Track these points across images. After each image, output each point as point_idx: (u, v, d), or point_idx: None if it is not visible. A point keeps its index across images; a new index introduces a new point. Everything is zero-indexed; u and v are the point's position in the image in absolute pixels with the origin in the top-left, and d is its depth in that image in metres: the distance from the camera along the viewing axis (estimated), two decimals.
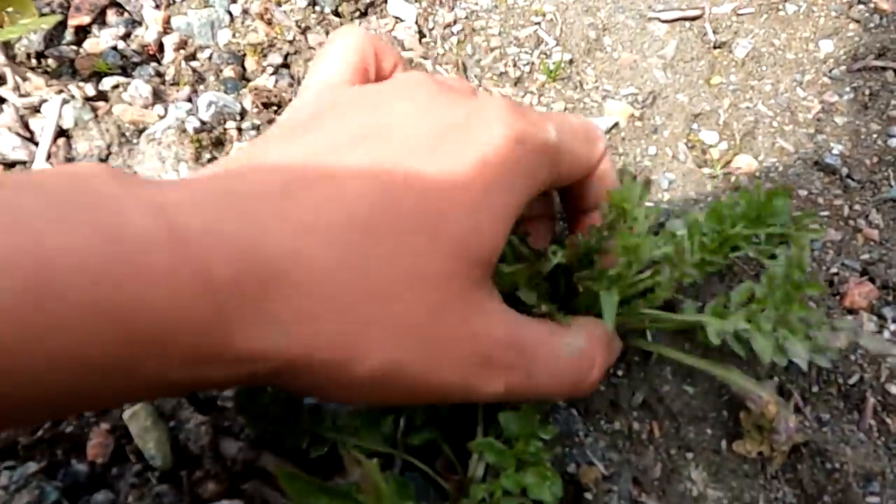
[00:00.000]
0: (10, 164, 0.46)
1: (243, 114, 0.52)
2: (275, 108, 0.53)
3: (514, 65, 0.60)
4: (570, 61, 0.61)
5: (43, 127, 0.48)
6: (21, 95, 0.49)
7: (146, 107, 0.51)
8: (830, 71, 0.61)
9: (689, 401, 0.42)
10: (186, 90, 0.52)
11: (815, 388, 0.44)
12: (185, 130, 0.49)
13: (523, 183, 0.30)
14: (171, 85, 0.53)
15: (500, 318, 0.30)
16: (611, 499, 0.37)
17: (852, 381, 0.44)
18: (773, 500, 0.40)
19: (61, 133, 0.48)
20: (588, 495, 0.37)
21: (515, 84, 0.59)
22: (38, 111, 0.49)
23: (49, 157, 0.47)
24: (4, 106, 0.49)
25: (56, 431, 0.37)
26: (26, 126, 0.48)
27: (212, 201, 0.24)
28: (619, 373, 0.43)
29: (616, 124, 0.56)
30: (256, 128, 0.52)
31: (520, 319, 0.31)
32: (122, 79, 0.52)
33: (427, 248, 0.26)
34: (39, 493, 0.33)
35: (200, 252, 0.22)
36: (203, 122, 0.50)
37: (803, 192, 0.54)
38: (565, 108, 0.57)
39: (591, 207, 0.39)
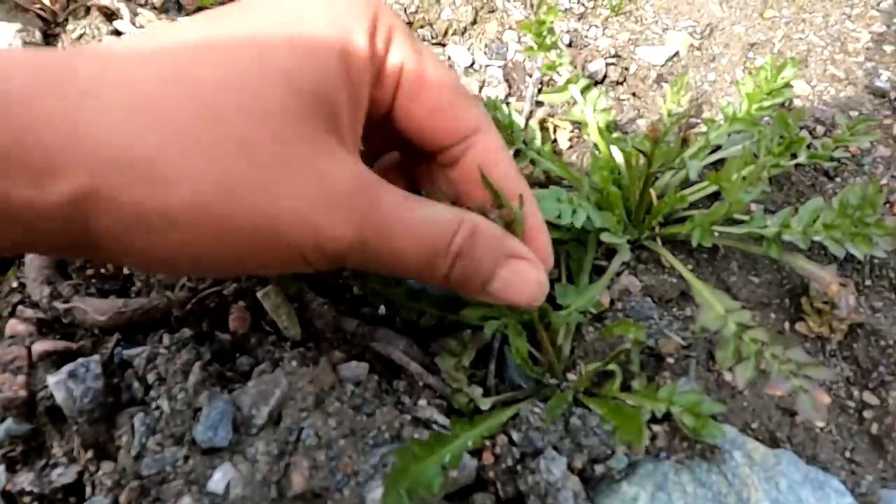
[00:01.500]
0: None
1: None
2: None
3: (578, 1, 0.64)
4: None
5: None
6: (138, 28, 0.54)
7: None
8: (878, 4, 0.64)
9: (755, 289, 0.47)
10: None
11: (868, 282, 0.48)
12: None
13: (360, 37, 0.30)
14: None
15: (349, 166, 0.28)
16: (689, 364, 0.41)
17: None
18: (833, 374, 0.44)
19: None
20: (670, 360, 0.41)
21: (579, 19, 0.63)
22: None
23: None
24: (123, 38, 0.54)
25: (202, 306, 0.42)
26: None
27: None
28: (689, 267, 0.48)
29: (676, 53, 0.60)
30: None
31: (375, 177, 0.30)
32: None
33: (256, 72, 0.26)
34: (196, 353, 0.39)
35: None
36: None
37: (854, 113, 0.57)
38: (629, 40, 0.61)
39: (469, 185, 0.35)
